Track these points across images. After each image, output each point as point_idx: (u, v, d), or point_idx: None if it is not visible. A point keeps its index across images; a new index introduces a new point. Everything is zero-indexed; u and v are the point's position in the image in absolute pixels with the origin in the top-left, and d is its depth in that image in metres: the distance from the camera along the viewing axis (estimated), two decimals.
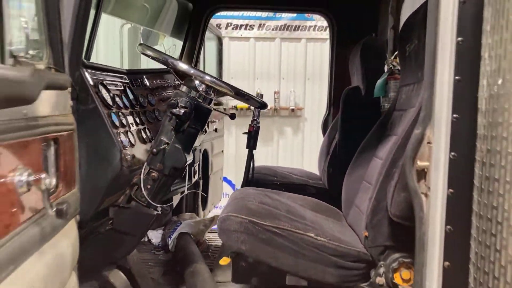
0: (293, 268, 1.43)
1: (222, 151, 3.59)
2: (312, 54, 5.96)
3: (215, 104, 2.36)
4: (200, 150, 2.60)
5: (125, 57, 4.30)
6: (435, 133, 1.08)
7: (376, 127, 1.90)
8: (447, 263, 1.08)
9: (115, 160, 1.39)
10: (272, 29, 5.94)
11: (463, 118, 1.04)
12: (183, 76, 1.57)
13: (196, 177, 2.38)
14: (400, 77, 1.93)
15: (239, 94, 1.60)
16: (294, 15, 5.80)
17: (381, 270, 1.42)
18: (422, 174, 1.14)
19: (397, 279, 1.41)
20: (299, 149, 6.04)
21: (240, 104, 5.61)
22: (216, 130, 3.06)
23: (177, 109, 1.50)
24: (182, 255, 2.23)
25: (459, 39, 1.03)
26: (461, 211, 1.05)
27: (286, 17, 5.88)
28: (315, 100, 5.93)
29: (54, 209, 0.88)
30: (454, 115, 1.05)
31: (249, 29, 5.94)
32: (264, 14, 5.87)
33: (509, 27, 0.87)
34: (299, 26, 5.93)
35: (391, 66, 2.14)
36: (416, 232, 1.14)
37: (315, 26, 5.89)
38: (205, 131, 2.42)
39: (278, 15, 5.87)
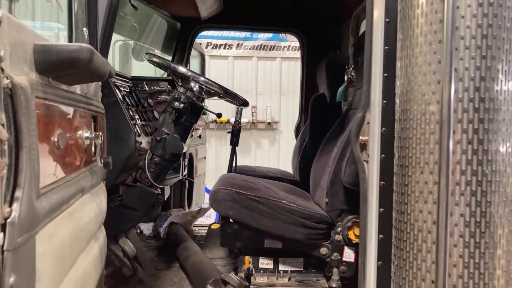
0: (270, 228, 1.81)
1: (205, 157, 3.95)
2: (287, 72, 6.45)
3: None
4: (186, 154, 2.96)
5: (116, 69, 4.64)
6: (371, 115, 1.50)
7: (336, 124, 2.33)
8: (381, 209, 1.48)
9: (131, 142, 1.75)
10: (249, 49, 6.41)
11: (389, 103, 1.45)
12: (182, 78, 1.96)
13: (186, 171, 2.73)
14: (355, 84, 2.38)
15: (227, 92, 2.00)
16: (270, 35, 6.29)
17: (339, 229, 1.82)
18: (364, 146, 1.55)
19: (350, 235, 1.80)
20: (275, 159, 6.45)
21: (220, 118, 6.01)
22: (200, 136, 3.43)
23: (178, 103, 1.88)
24: (174, 238, 2.56)
25: (386, 47, 1.46)
26: (389, 170, 1.46)
27: (262, 38, 6.37)
28: (290, 114, 6.39)
29: (103, 161, 1.24)
30: (384, 101, 1.47)
31: (228, 48, 6.40)
32: (242, 34, 6.34)
33: (411, 38, 1.30)
34: (274, 46, 6.43)
35: (349, 76, 2.58)
36: (360, 190, 1.54)
37: (289, 46, 6.40)
38: (191, 135, 2.79)
39: (255, 35, 6.36)
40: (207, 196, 5.31)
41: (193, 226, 3.27)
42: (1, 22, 0.61)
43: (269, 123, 6.42)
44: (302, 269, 1.89)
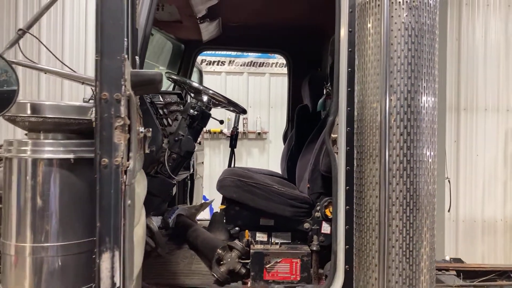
0: (265, 207, 2.32)
1: (203, 162, 4.46)
2: (275, 86, 7.01)
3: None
4: None
5: None
6: (340, 118, 2.04)
7: (316, 129, 2.88)
8: (347, 187, 2.00)
9: (159, 139, 2.26)
10: (241, 65, 6.98)
11: (351, 109, 1.99)
12: (195, 91, 2.48)
13: (193, 169, 3.24)
14: (331, 97, 2.94)
15: (230, 102, 2.53)
16: (259, 53, 6.88)
17: (318, 208, 2.34)
18: (334, 142, 2.09)
19: (327, 212, 2.31)
20: (265, 166, 6.96)
21: (213, 128, 6.55)
22: (199, 143, 3.95)
23: (193, 111, 2.40)
24: (182, 225, 3.05)
25: (349, 69, 2.00)
26: (351, 158, 1.99)
27: (252, 55, 6.95)
28: (278, 125, 6.93)
29: (147, 150, 1.75)
30: (348, 108, 2.01)
31: (220, 65, 6.96)
32: (234, 52, 6.91)
33: (364, 63, 1.85)
34: (263, 63, 7.01)
35: (328, 90, 3.14)
36: (332, 173, 2.06)
37: (277, 63, 6.99)
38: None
39: (245, 53, 6.94)
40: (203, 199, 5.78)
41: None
42: (125, 61, 1.12)
43: (259, 133, 6.95)
44: (290, 241, 2.40)
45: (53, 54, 1.69)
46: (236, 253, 2.18)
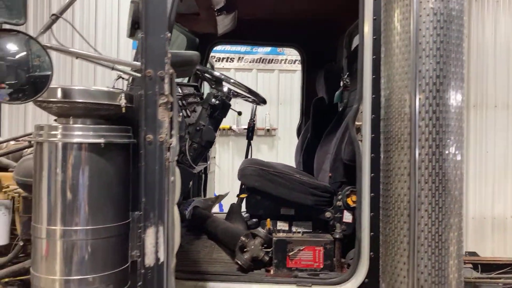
0: (287, 196, 2.33)
1: (214, 157, 4.48)
2: (284, 83, 7.02)
3: None
4: None
5: None
6: (364, 106, 2.04)
7: (335, 120, 2.89)
8: (372, 174, 2.01)
9: (182, 128, 2.27)
10: (250, 62, 6.99)
11: (377, 97, 2.00)
12: (216, 80, 2.49)
13: (209, 161, 3.25)
14: (349, 88, 2.95)
15: (251, 91, 2.54)
16: (269, 49, 6.89)
17: (339, 197, 2.34)
18: (358, 129, 2.10)
19: (349, 201, 2.32)
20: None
21: (222, 125, 6.57)
22: None
23: (214, 100, 2.42)
24: (199, 216, 3.06)
25: (373, 56, 2.01)
26: (377, 145, 1.99)
27: (261, 52, 6.96)
28: (287, 121, 6.94)
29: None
30: (373, 95, 2.01)
31: (230, 61, 6.97)
32: (243, 49, 6.92)
33: (390, 50, 1.85)
34: (272, 59, 7.02)
35: (344, 82, 3.14)
36: (357, 161, 2.06)
37: (286, 59, 7.00)
38: None
39: (254, 50, 6.95)
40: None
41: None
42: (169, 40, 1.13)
43: (268, 130, 6.96)
44: (311, 230, 2.41)
45: (84, 38, 1.70)
46: (260, 240, 2.19)
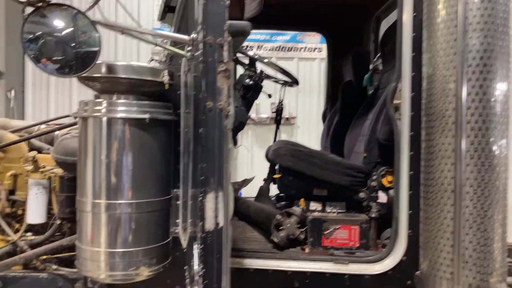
0: (321, 176, 2.32)
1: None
2: (303, 71, 6.99)
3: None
4: None
5: None
6: (403, 84, 2.02)
7: (365, 103, 2.86)
8: (412, 152, 1.99)
9: None
10: (269, 50, 6.96)
11: (417, 74, 1.98)
12: (250, 61, 2.49)
13: (238, 144, 3.27)
14: (380, 71, 2.92)
15: (284, 72, 2.53)
16: (288, 37, 6.86)
17: (374, 177, 2.33)
18: (397, 108, 2.08)
19: (384, 181, 2.31)
20: None
21: None
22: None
23: (248, 80, 2.42)
24: None
25: (414, 34, 1.98)
26: (417, 124, 1.98)
27: (281, 40, 6.93)
28: (306, 110, 6.92)
29: None
30: (413, 73, 1.99)
31: (249, 50, 6.95)
32: (262, 37, 6.90)
33: (434, 25, 1.83)
34: (292, 48, 6.99)
35: (375, 65, 3.12)
36: (395, 140, 2.04)
37: (306, 47, 6.96)
38: None
39: (274, 38, 6.92)
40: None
41: None
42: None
43: (287, 118, 6.95)
44: (345, 210, 2.40)
45: (129, 14, 1.71)
46: (295, 219, 2.19)
